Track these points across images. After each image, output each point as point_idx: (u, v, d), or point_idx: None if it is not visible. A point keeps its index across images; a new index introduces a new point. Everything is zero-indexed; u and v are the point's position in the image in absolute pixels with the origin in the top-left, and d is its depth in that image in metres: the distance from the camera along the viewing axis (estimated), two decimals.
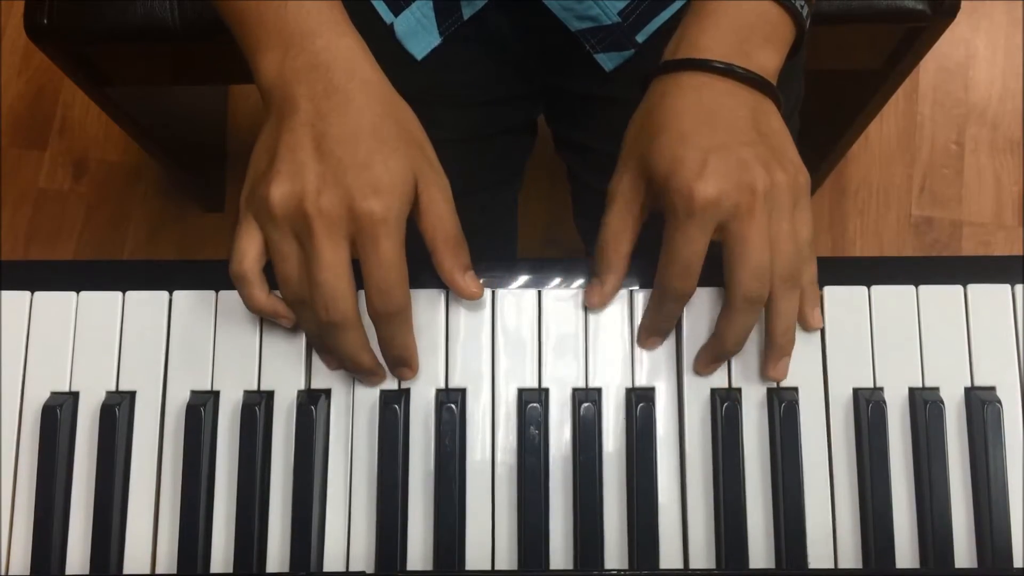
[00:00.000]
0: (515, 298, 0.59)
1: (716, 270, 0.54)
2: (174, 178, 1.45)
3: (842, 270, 0.59)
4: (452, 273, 0.56)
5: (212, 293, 0.58)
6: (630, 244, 0.57)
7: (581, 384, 0.58)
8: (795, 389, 0.57)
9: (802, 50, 0.59)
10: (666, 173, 0.53)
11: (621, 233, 0.57)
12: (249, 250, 0.55)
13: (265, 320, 0.58)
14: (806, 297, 0.57)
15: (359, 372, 0.57)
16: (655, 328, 0.58)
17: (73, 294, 0.58)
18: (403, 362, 0.57)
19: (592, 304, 0.58)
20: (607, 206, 0.58)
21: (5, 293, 0.59)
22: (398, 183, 0.53)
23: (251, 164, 0.56)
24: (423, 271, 0.56)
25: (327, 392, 0.58)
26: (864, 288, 0.58)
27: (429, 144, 0.57)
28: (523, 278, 0.59)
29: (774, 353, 0.57)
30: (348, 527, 0.56)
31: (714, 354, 0.57)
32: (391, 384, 0.58)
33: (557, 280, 0.59)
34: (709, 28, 0.56)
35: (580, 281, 0.59)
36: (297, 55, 0.54)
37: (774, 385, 0.57)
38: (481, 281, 0.58)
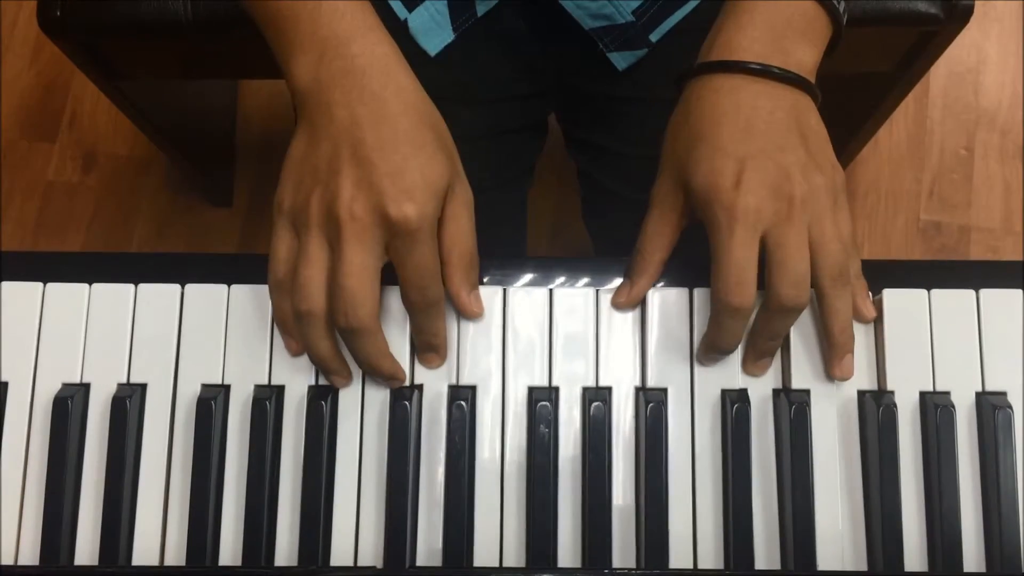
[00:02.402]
0: (525, 296, 0.59)
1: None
2: (183, 172, 1.45)
3: None
4: (459, 290, 0.56)
5: (224, 287, 0.58)
6: (666, 250, 0.58)
7: (591, 383, 0.58)
8: (806, 391, 0.57)
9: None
10: (704, 186, 0.53)
11: (658, 238, 0.57)
12: (286, 257, 0.55)
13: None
14: (856, 290, 0.57)
15: (377, 378, 0.57)
16: (716, 346, 0.56)
17: (85, 286, 0.59)
18: (433, 348, 0.57)
19: (618, 304, 0.58)
20: (648, 211, 0.58)
21: (17, 284, 0.59)
22: (432, 189, 0.53)
23: (286, 170, 0.55)
24: None
25: (337, 388, 0.58)
26: (873, 292, 0.58)
27: (458, 156, 0.57)
28: (534, 276, 0.59)
29: (836, 352, 0.56)
30: (357, 522, 0.56)
31: (756, 353, 0.57)
32: None
33: (568, 278, 0.59)
34: (745, 26, 0.55)
35: (591, 279, 0.59)
36: (332, 60, 0.54)
37: (782, 387, 0.57)
38: (486, 279, 0.59)
